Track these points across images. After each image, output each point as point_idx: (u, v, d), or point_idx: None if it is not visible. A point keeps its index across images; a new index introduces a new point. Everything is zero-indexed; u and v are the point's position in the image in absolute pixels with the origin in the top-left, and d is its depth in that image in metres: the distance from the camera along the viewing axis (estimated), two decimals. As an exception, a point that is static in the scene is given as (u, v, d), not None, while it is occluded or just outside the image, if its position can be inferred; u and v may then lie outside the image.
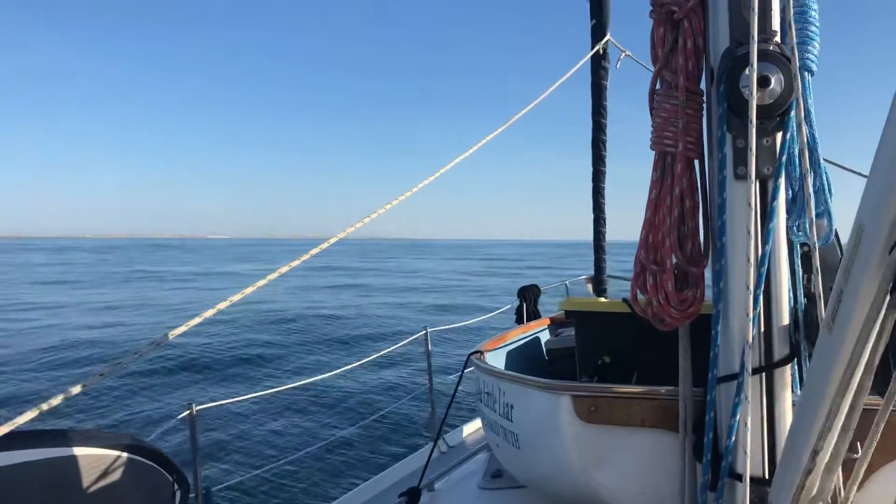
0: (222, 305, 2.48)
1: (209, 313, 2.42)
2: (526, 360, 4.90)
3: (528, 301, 7.31)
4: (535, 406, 2.75)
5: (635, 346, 3.30)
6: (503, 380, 3.06)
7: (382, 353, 6.26)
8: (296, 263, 2.63)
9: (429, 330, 6.14)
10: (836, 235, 2.45)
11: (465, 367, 4.00)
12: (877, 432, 1.40)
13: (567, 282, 8.51)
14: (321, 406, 11.03)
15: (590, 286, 7.97)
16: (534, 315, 7.07)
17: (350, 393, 11.77)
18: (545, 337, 5.38)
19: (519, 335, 5.09)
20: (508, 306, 7.32)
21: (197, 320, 2.44)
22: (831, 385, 1.40)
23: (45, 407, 1.81)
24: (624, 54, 6.85)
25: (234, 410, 9.79)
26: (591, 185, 7.33)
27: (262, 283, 2.52)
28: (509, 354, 4.82)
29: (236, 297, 2.46)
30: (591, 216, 7.29)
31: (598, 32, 6.84)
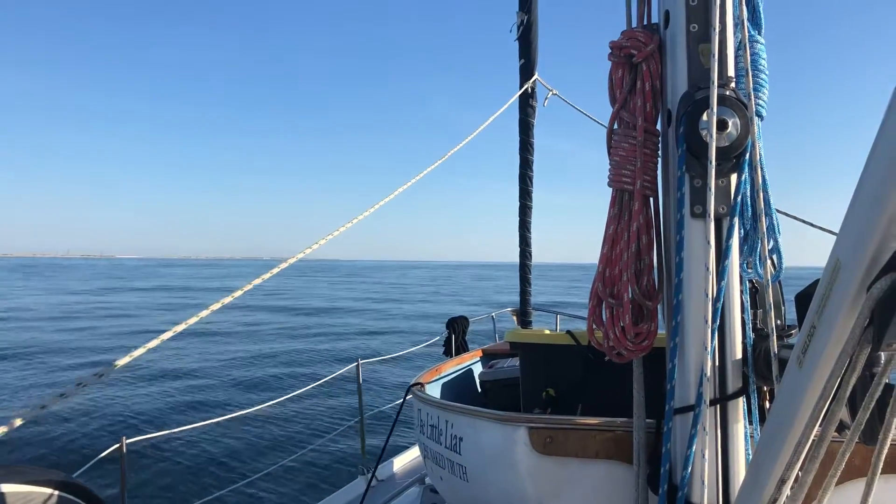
0: (167, 335, 2.38)
1: (153, 343, 2.32)
2: (461, 392, 4.90)
3: (456, 333, 7.35)
4: (487, 438, 2.74)
5: (580, 379, 3.36)
6: (452, 412, 3.05)
7: (313, 384, 6.14)
8: (248, 287, 2.56)
9: (360, 362, 6.07)
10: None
11: (404, 398, 3.97)
12: (841, 462, 1.46)
13: (494, 314, 8.61)
14: (250, 440, 10.79)
15: (515, 318, 8.10)
16: (462, 347, 7.10)
17: (280, 426, 11.55)
18: (478, 369, 5.40)
19: (453, 367, 5.10)
20: (437, 338, 7.34)
21: (141, 351, 2.34)
22: (801, 416, 1.46)
23: None
24: (551, 93, 7.08)
25: (165, 443, 9.48)
26: (517, 218, 7.49)
27: (207, 312, 2.44)
28: (444, 386, 4.81)
29: (179, 329, 2.37)
30: (516, 243, 7.43)
31: (526, 71, 7.05)
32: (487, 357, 5.65)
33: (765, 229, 2.10)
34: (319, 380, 6.34)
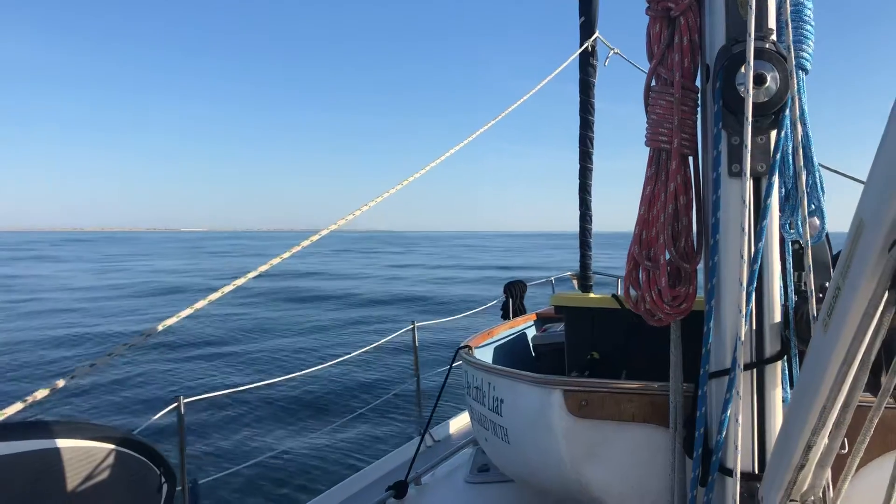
0: (214, 296, 2.46)
1: (201, 304, 2.40)
2: (513, 355, 4.92)
3: (514, 297, 7.34)
4: (525, 401, 2.76)
5: (624, 342, 3.32)
6: (493, 374, 3.07)
7: (369, 347, 6.25)
8: (286, 255, 2.61)
9: (416, 324, 6.14)
10: (826, 235, 2.48)
11: (452, 362, 4.01)
12: (869, 428, 1.41)
13: (552, 278, 8.55)
14: (308, 400, 10.99)
15: (575, 282, 8.02)
16: (520, 311, 7.09)
17: (337, 387, 11.74)
18: (531, 333, 5.40)
19: (506, 331, 5.11)
20: (494, 302, 7.35)
21: (188, 311, 2.43)
22: (826, 381, 1.42)
23: (29, 399, 1.78)
24: (612, 52, 6.88)
25: (221, 403, 9.73)
26: (577, 181, 7.37)
27: (253, 274, 2.51)
28: (496, 350, 4.83)
29: (228, 288, 2.45)
30: (577, 211, 7.33)
31: (586, 30, 6.86)
32: (541, 321, 5.64)
33: (805, 188, 2.02)
34: (376, 342, 6.46)
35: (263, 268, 2.41)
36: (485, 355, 4.56)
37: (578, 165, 7.34)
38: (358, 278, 39.79)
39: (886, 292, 1.25)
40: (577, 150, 7.25)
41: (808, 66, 2.08)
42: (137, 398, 11.54)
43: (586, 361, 3.49)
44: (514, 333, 5.23)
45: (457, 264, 56.24)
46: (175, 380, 12.88)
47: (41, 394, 1.88)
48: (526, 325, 5.48)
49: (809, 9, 2.09)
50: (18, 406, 1.76)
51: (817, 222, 2.12)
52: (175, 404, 3.71)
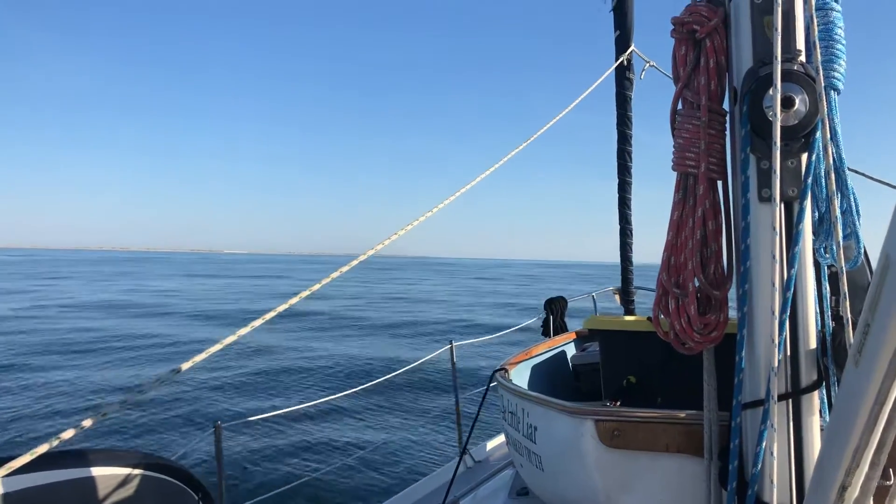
0: (244, 331, 2.48)
1: (230, 340, 2.42)
2: (552, 375, 4.85)
3: (554, 314, 7.25)
4: (558, 429, 2.72)
5: (661, 367, 3.25)
6: (527, 400, 3.03)
7: (407, 367, 6.24)
8: (326, 281, 2.61)
9: (454, 343, 6.11)
10: (866, 256, 2.40)
11: (489, 385, 3.98)
12: None
13: (594, 294, 8.42)
14: (346, 422, 10.93)
15: (617, 297, 7.90)
16: (560, 328, 7.01)
17: (375, 408, 11.66)
18: (571, 351, 5.33)
19: (544, 349, 5.05)
20: (535, 319, 7.28)
21: (217, 347, 2.45)
22: (859, 420, 1.36)
23: (55, 442, 1.80)
24: (648, 64, 6.82)
25: (259, 427, 9.74)
26: (616, 196, 7.30)
27: (288, 303, 2.52)
28: (535, 369, 4.78)
29: (257, 323, 2.47)
30: (618, 233, 7.26)
31: (622, 43, 6.83)
32: (581, 339, 5.56)
33: (839, 212, 1.95)
34: (414, 363, 6.44)
35: (294, 300, 2.42)
36: (522, 375, 4.51)
37: (617, 179, 7.29)
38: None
39: None
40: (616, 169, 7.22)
41: (840, 85, 2.02)
42: (176, 424, 11.54)
43: (622, 386, 3.43)
44: (553, 352, 5.16)
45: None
46: (212, 403, 12.96)
47: (67, 434, 1.90)
48: (565, 344, 5.41)
49: (840, 27, 2.03)
50: (44, 448, 1.79)
51: (853, 246, 2.05)
52: (213, 429, 3.75)
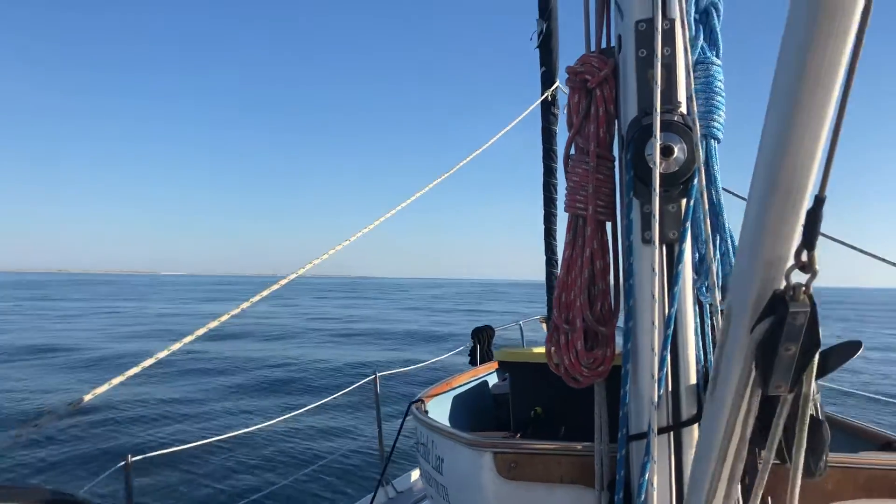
0: (148, 362, 2.44)
1: (132, 372, 2.38)
2: (474, 405, 4.90)
3: (481, 343, 7.34)
4: (460, 461, 2.76)
5: (565, 399, 3.33)
6: (434, 432, 3.07)
7: (329, 398, 6.20)
8: (245, 306, 2.59)
9: (378, 374, 6.11)
10: None
11: (405, 417, 4.00)
12: (760, 491, 1.45)
13: (521, 322, 8.56)
14: (263, 455, 10.50)
15: (544, 326, 8.05)
16: (487, 356, 7.09)
17: (295, 441, 11.22)
18: (494, 380, 5.39)
19: (467, 379, 5.10)
20: (462, 348, 7.35)
21: (119, 378, 2.41)
22: (712, 457, 1.45)
23: None
24: None
25: (171, 461, 9.23)
26: (542, 227, 7.46)
27: (203, 328, 2.48)
28: (456, 399, 4.82)
29: (161, 355, 2.44)
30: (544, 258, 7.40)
31: (547, 79, 7.03)
32: (503, 369, 5.63)
33: (713, 255, 2.07)
34: (336, 392, 6.40)
35: (213, 324, 2.39)
36: (443, 406, 4.54)
37: (543, 211, 7.46)
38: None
39: (752, 371, 1.30)
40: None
41: (720, 134, 2.15)
42: (84, 456, 10.90)
43: (530, 417, 3.50)
44: (475, 382, 5.22)
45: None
46: (124, 434, 12.31)
47: None
48: (488, 374, 5.47)
49: (719, 80, 2.17)
50: None
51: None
52: (123, 462, 3.65)
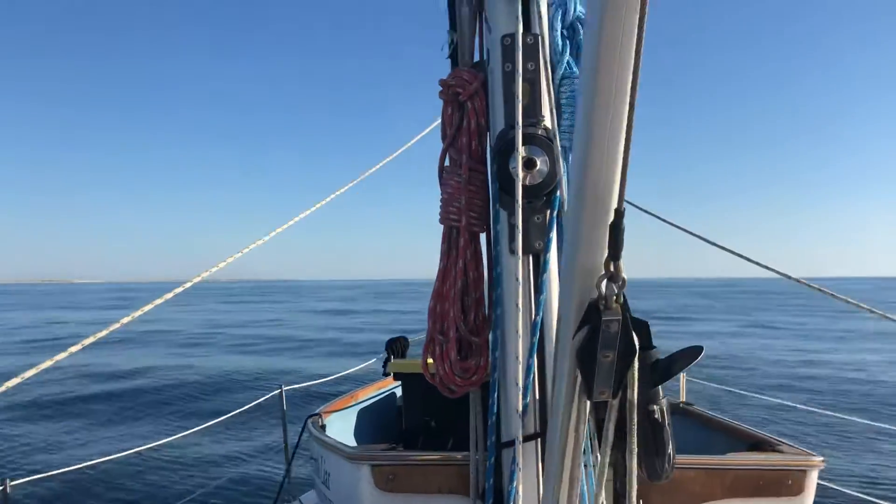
0: (29, 374, 2.31)
1: (30, 373, 2.25)
2: (379, 417, 4.87)
3: (395, 354, 7.30)
4: (343, 475, 2.74)
5: (453, 409, 3.35)
6: (322, 447, 3.04)
7: (232, 413, 6.05)
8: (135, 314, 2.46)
9: (284, 388, 6.01)
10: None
11: (301, 432, 3.95)
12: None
13: None
14: (157, 474, 9.75)
15: None
16: None
17: (201, 454, 10.56)
18: (400, 393, 5.38)
19: (372, 392, 5.08)
20: (374, 360, 7.30)
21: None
22: (555, 458, 1.48)
23: None
24: None
25: (54, 485, 8.54)
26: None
27: (91, 339, 2.35)
28: (362, 413, 4.78)
29: (28, 374, 2.31)
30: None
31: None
32: None
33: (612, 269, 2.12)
34: (237, 409, 6.22)
35: (114, 326, 2.25)
36: (348, 421, 4.50)
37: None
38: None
39: (576, 380, 1.33)
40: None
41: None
42: None
43: (421, 429, 3.51)
44: (383, 394, 5.20)
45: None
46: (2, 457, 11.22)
47: None
48: (394, 386, 5.45)
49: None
50: None
51: None
52: (1, 487, 3.47)
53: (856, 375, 19.98)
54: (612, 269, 1.19)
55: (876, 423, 8.01)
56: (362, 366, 8.23)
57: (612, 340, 1.23)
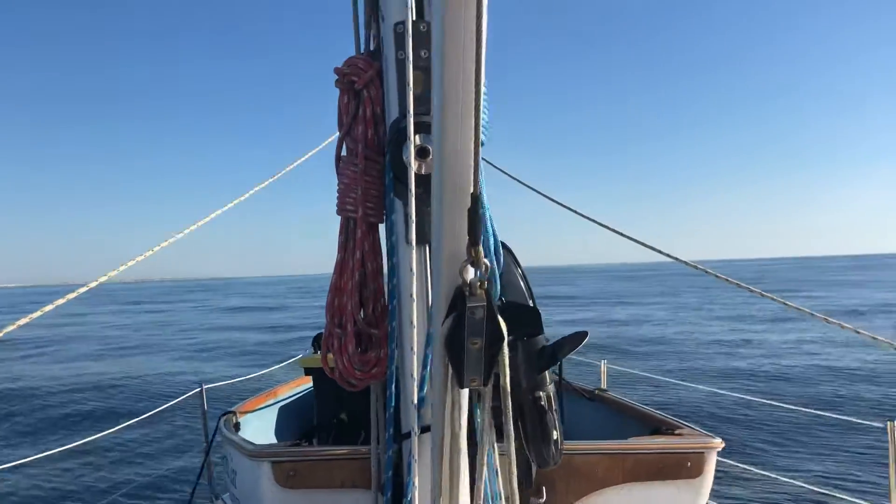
0: None
1: None
2: (298, 415, 4.81)
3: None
4: (245, 472, 2.69)
5: (364, 404, 3.34)
6: (228, 445, 2.98)
7: (150, 413, 5.87)
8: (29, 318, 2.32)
9: (205, 386, 5.87)
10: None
11: (215, 431, 3.85)
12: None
13: None
14: (74, 477, 9.34)
15: None
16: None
17: (114, 459, 10.11)
18: None
19: (292, 390, 5.01)
20: (300, 356, 7.19)
21: None
22: (436, 449, 1.48)
23: None
24: None
25: None
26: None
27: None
28: (283, 411, 4.71)
29: None
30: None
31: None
32: None
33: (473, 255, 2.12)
34: (160, 406, 6.06)
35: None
36: (267, 419, 4.42)
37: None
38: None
39: (447, 369, 1.33)
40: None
41: (483, 138, 2.20)
42: None
43: (334, 423, 3.47)
44: (303, 392, 5.13)
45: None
46: None
47: None
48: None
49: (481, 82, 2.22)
50: None
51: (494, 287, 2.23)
52: None
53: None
54: (473, 254, 1.18)
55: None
56: (288, 361, 8.11)
57: (477, 327, 1.22)
